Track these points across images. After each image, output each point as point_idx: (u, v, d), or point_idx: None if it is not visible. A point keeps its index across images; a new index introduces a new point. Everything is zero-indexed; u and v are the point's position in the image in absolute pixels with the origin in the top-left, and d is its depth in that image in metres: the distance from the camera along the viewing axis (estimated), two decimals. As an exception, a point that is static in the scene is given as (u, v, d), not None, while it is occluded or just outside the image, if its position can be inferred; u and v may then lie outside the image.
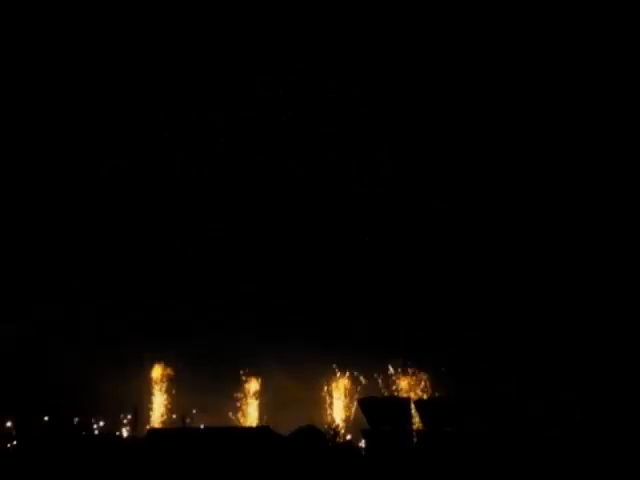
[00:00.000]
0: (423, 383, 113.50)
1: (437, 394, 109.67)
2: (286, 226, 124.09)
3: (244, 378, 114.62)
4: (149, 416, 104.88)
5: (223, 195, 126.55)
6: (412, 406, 75.88)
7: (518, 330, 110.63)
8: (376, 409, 74.78)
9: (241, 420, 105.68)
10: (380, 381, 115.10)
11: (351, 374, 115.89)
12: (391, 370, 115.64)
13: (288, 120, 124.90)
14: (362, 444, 78.58)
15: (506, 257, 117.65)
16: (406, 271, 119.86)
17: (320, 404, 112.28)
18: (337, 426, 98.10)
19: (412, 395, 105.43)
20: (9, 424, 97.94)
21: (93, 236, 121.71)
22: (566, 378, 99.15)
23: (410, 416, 74.11)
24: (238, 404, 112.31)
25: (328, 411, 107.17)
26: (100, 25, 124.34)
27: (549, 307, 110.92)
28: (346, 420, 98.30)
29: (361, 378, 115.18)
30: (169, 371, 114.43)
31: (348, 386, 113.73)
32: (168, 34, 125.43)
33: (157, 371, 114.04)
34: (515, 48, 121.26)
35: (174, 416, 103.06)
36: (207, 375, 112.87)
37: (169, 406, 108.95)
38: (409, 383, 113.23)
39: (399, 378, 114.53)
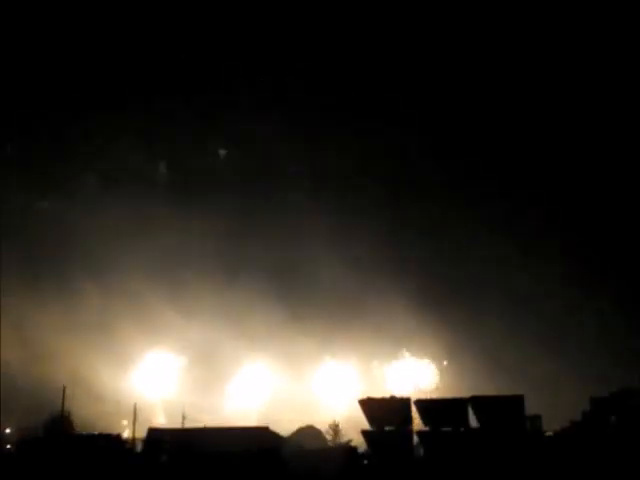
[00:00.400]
0: (424, 377, 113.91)
1: (438, 389, 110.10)
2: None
3: (244, 377, 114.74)
4: (149, 416, 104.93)
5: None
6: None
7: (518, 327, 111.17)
8: (376, 409, 74.71)
9: (241, 420, 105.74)
10: (380, 377, 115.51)
11: (352, 372, 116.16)
12: (392, 365, 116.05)
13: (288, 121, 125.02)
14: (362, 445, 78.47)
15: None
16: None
17: (319, 403, 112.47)
18: (337, 426, 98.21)
19: (413, 390, 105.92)
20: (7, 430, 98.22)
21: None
22: (567, 372, 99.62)
23: (410, 416, 74.08)
24: (238, 404, 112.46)
25: (328, 411, 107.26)
26: (100, 24, 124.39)
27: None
28: (346, 420, 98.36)
29: (362, 375, 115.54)
30: (169, 370, 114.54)
31: (348, 384, 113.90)
32: (168, 34, 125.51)
33: (157, 370, 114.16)
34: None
35: (174, 416, 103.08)
36: (207, 374, 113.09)
37: (169, 406, 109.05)
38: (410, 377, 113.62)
39: (400, 373, 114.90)
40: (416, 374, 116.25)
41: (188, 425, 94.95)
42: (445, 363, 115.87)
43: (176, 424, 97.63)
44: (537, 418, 73.71)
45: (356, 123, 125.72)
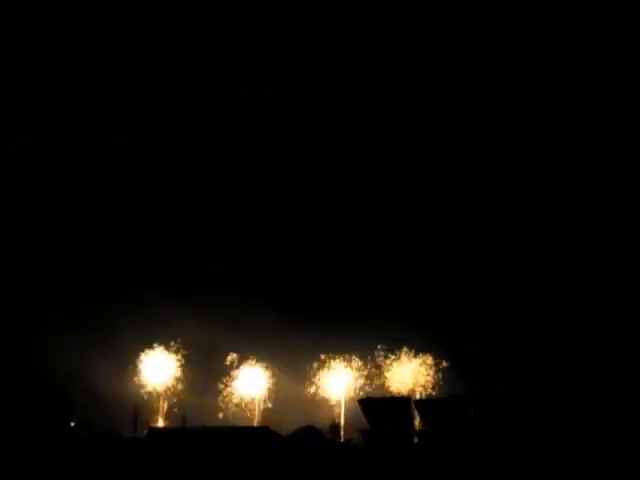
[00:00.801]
0: (424, 377, 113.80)
1: (437, 387, 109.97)
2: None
3: (244, 377, 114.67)
4: (149, 416, 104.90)
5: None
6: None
7: (520, 330, 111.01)
8: (376, 409, 74.76)
9: (241, 420, 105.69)
10: (380, 377, 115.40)
11: (352, 371, 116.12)
12: (392, 365, 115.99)
13: (287, 121, 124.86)
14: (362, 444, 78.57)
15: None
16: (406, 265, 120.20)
17: (320, 403, 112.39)
18: (337, 425, 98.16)
19: (412, 389, 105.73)
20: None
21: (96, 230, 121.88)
22: (566, 378, 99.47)
23: (410, 416, 74.14)
24: (238, 403, 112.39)
25: (328, 411, 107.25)
26: (102, 23, 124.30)
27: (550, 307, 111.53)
28: (346, 420, 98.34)
29: (362, 375, 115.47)
30: (169, 370, 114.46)
31: (348, 384, 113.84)
32: (168, 34, 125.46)
33: (157, 370, 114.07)
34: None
35: (174, 416, 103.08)
36: (207, 374, 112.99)
37: (169, 406, 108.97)
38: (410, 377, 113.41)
39: (400, 373, 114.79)
40: (416, 374, 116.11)
41: (188, 425, 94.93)
42: (445, 363, 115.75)
43: (176, 424, 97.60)
44: (537, 418, 73.69)
45: (356, 123, 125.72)
